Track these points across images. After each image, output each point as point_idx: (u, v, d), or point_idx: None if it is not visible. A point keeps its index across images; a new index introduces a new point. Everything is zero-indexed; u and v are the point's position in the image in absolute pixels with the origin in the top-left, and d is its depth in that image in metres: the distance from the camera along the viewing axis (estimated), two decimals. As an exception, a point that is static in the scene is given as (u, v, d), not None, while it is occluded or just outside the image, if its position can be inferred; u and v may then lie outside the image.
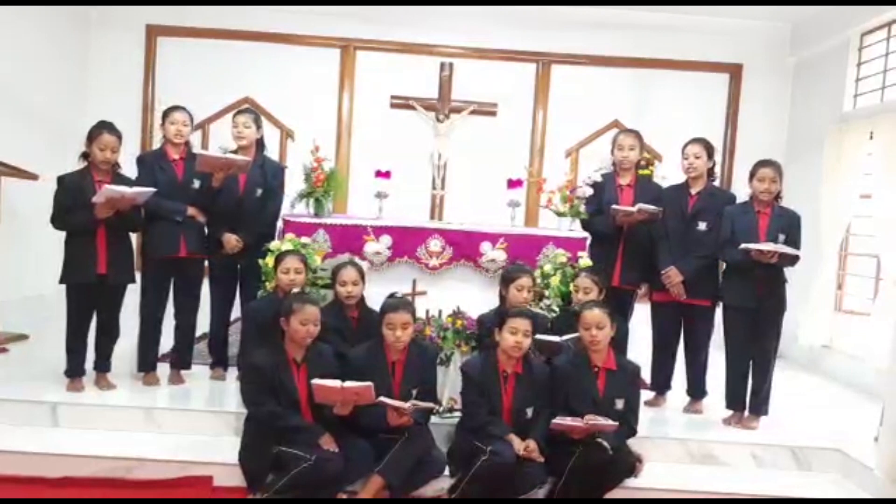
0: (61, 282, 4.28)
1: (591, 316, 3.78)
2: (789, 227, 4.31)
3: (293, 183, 4.87)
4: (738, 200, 4.58)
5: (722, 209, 4.46)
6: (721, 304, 4.54)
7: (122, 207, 4.15)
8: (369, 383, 3.48)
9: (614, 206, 4.52)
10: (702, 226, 4.51)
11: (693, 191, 4.59)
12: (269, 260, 4.31)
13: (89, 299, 4.32)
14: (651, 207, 4.43)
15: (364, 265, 4.38)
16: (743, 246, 4.18)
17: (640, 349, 4.72)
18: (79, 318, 4.33)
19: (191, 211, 4.52)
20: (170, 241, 4.48)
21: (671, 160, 6.68)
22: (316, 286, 4.29)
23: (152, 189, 4.25)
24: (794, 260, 4.24)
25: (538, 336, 3.89)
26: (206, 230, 4.65)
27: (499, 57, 7.37)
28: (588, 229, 4.78)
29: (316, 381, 3.48)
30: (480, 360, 3.84)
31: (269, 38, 7.27)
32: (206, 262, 4.76)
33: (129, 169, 4.50)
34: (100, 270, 4.22)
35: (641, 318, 4.86)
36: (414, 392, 3.73)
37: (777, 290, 4.35)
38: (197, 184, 4.51)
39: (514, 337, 3.67)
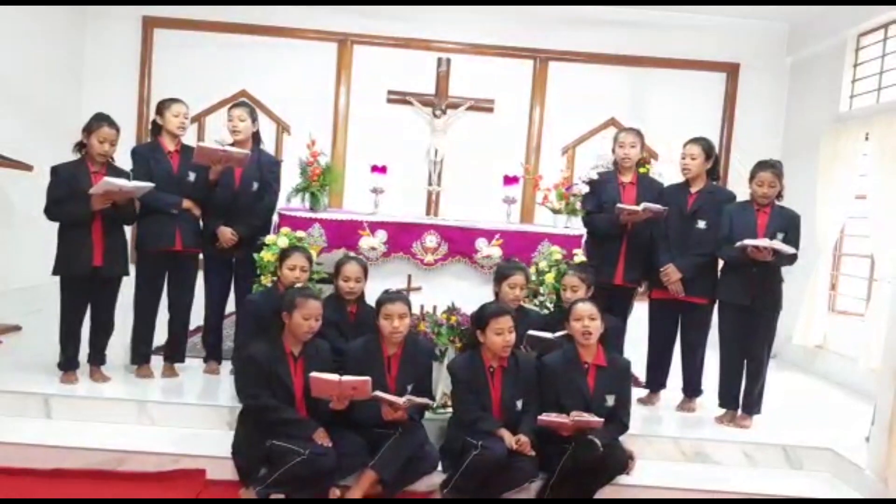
0: (55, 273, 4.25)
1: (583, 307, 3.80)
2: (788, 226, 4.31)
3: (289, 177, 4.86)
4: (738, 199, 4.58)
5: (721, 208, 4.47)
6: (716, 300, 4.55)
7: (117, 200, 4.14)
8: (367, 378, 3.48)
9: (619, 205, 4.49)
10: (701, 224, 4.51)
11: (693, 189, 4.59)
12: (266, 254, 4.30)
13: (83, 291, 4.29)
14: (656, 206, 4.42)
15: (359, 260, 4.37)
16: (739, 243, 4.19)
17: (637, 347, 4.74)
18: (73, 310, 4.31)
19: (186, 203, 4.49)
20: (165, 235, 4.45)
21: (666, 158, 6.72)
22: (311, 280, 4.28)
23: (151, 184, 4.22)
24: (791, 259, 4.25)
25: (530, 332, 3.89)
26: (201, 224, 4.63)
27: (496, 53, 7.36)
28: (589, 227, 4.77)
29: (314, 374, 3.47)
30: (466, 358, 3.84)
31: (265, 32, 7.24)
32: (201, 256, 4.73)
33: (123, 160, 4.46)
34: (94, 262, 4.19)
35: (638, 316, 4.87)
36: (409, 388, 3.74)
37: (773, 288, 4.36)
38: (192, 176, 4.49)
39: (501, 337, 3.68)
